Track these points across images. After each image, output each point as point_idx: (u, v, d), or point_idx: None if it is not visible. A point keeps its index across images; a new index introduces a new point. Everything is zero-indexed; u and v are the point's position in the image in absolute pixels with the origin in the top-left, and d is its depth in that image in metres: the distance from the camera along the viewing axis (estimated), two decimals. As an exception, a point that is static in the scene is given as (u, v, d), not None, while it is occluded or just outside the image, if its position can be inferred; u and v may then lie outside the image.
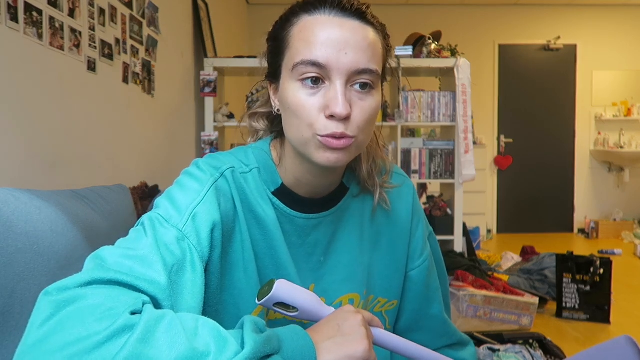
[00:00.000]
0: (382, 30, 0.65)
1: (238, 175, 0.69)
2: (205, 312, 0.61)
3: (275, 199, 0.71)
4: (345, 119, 0.60)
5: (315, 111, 0.60)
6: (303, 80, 0.61)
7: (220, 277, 0.65)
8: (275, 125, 0.76)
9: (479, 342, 1.74)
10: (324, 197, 0.73)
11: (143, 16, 2.19)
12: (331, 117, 0.59)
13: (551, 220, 5.38)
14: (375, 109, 0.63)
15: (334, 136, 0.60)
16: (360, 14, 0.62)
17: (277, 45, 0.66)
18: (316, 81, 0.60)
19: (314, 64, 0.59)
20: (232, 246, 0.67)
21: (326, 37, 0.59)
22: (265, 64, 0.70)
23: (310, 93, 0.61)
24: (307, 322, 0.61)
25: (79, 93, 1.65)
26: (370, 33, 0.62)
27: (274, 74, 0.68)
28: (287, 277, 0.69)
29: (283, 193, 0.71)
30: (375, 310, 0.80)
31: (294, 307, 0.59)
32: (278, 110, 0.69)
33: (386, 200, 0.78)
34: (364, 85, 0.61)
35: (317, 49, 0.59)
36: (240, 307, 0.67)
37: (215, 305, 0.65)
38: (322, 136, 0.60)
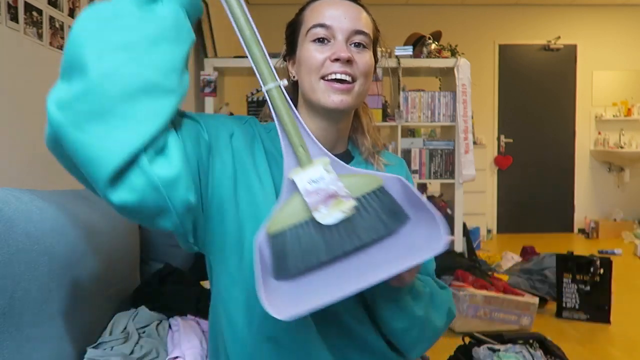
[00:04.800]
0: (370, 15, 0.86)
1: (258, 123, 0.85)
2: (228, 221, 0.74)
3: None
4: (348, 62, 0.78)
5: (324, 59, 0.79)
6: (315, 41, 0.80)
7: (235, 181, 0.75)
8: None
9: (479, 342, 1.74)
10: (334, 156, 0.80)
11: (143, 16, 2.19)
12: (336, 60, 0.77)
13: (551, 220, 5.38)
14: (370, 64, 0.82)
15: (338, 80, 0.78)
16: (354, 0, 0.84)
17: (294, 27, 0.86)
18: (323, 41, 0.80)
19: (322, 25, 0.80)
20: (255, 159, 0.78)
21: (330, 12, 0.80)
22: (284, 48, 0.89)
23: (320, 49, 0.80)
24: None
25: (79, 93, 1.65)
26: (362, 12, 0.83)
27: (291, 49, 0.86)
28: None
29: None
30: None
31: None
32: (294, 77, 0.86)
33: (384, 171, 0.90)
34: (358, 45, 0.81)
35: (324, 17, 0.80)
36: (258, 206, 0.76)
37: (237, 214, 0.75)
38: (329, 80, 0.78)
